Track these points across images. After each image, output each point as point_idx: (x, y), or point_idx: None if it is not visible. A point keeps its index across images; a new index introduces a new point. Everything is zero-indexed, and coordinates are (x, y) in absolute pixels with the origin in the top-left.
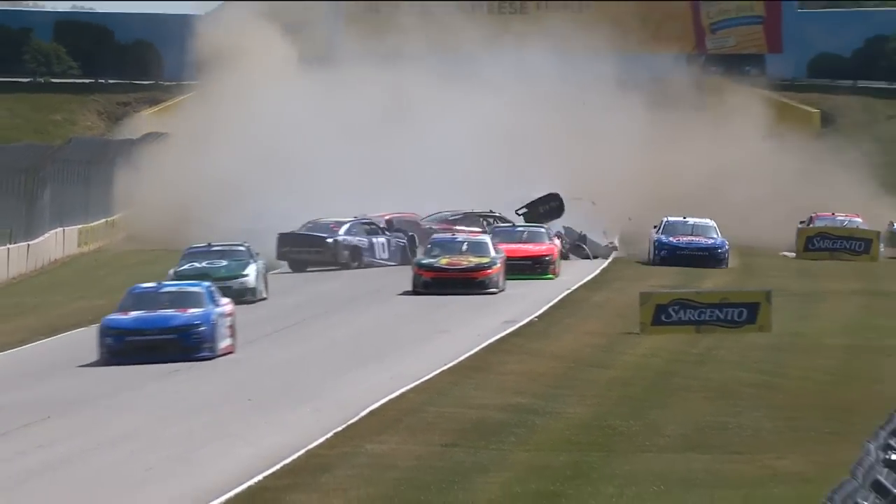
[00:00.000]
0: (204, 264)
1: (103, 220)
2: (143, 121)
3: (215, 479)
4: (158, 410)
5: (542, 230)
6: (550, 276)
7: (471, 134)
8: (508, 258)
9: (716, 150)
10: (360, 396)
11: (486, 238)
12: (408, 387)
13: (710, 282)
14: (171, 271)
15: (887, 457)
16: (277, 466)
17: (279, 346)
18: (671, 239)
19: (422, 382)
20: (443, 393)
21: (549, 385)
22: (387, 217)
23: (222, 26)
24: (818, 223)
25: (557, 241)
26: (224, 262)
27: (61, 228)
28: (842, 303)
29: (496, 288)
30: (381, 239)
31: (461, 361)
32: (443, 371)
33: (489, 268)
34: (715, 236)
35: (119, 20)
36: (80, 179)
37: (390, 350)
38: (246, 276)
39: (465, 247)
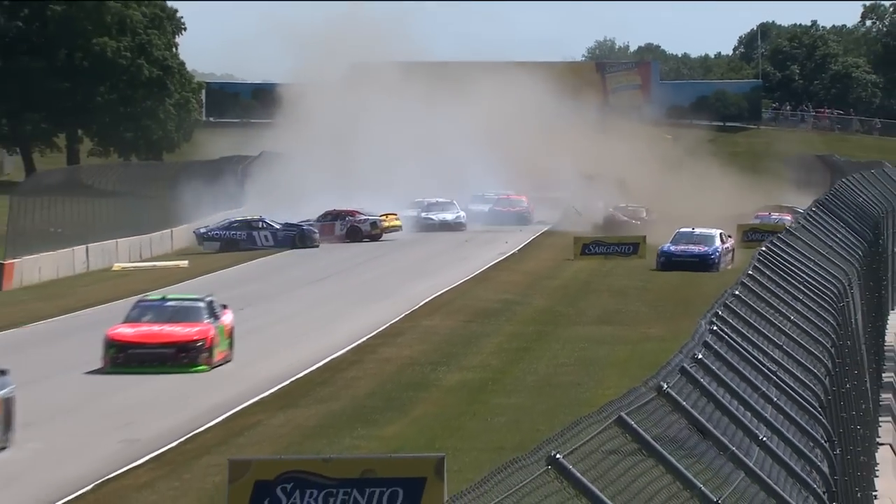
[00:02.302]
0: None
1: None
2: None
3: (339, 338)
4: (305, 302)
5: (200, 305)
6: (203, 367)
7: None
8: (144, 344)
9: (615, 158)
10: (417, 294)
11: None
12: (444, 289)
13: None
14: None
15: (711, 327)
16: (373, 333)
17: (365, 269)
18: (671, 248)
19: (452, 287)
20: (464, 292)
21: (523, 288)
22: (336, 210)
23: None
24: (754, 221)
25: (227, 318)
26: None
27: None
28: None
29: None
30: (265, 232)
31: (475, 275)
32: (464, 280)
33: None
34: (714, 244)
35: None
36: (267, 174)
37: (432, 270)
38: None
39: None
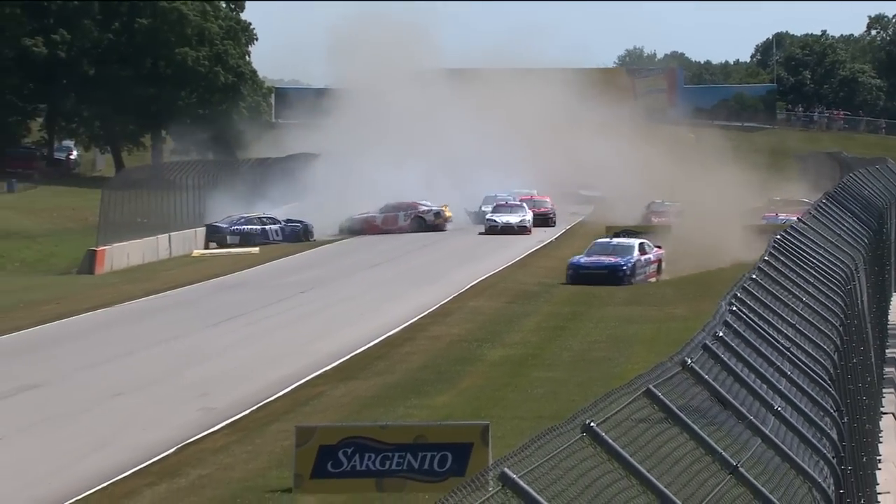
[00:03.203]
0: None
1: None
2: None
3: (392, 318)
4: (362, 285)
5: None
6: None
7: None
8: None
9: (643, 155)
10: (463, 278)
11: None
12: (488, 274)
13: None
14: None
15: (730, 308)
16: (424, 313)
17: (415, 257)
18: (580, 259)
19: (495, 272)
20: (505, 277)
21: (559, 273)
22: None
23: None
24: (762, 221)
25: None
26: None
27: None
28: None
29: None
30: (275, 226)
31: (515, 261)
32: (505, 266)
33: None
34: (628, 255)
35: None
36: (328, 171)
37: (477, 257)
38: None
39: None
